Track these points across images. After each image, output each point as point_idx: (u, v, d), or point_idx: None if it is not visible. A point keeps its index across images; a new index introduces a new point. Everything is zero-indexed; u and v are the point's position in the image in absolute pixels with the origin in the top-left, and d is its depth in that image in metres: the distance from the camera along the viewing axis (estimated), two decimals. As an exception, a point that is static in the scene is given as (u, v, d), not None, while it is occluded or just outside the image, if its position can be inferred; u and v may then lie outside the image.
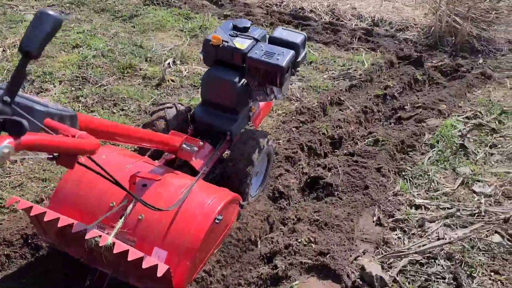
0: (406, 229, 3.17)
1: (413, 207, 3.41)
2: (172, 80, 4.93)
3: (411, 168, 3.89)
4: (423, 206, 3.41)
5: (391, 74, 5.61)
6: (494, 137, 4.43)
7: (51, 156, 1.42)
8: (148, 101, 4.47)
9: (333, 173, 3.54)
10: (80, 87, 4.57)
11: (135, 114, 4.24)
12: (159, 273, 1.91)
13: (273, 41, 3.07)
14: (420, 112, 4.72)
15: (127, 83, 4.78)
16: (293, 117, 4.34)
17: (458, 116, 4.81)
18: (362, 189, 3.42)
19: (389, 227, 3.18)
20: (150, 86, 4.77)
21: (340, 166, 3.63)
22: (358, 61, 5.86)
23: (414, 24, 7.49)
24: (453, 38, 6.86)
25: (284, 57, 2.85)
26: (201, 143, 2.91)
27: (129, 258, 1.92)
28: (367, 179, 3.49)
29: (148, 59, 5.29)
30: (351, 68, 5.64)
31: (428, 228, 3.15)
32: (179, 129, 3.04)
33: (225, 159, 3.05)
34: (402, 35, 7.20)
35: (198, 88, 4.79)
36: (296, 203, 3.33)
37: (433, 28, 6.98)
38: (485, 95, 5.36)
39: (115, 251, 1.94)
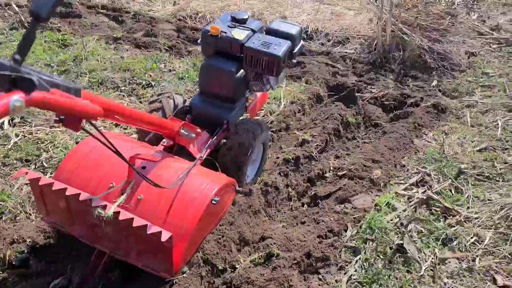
0: None
1: None
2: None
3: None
4: None
5: (315, 117, 4.06)
6: (448, 224, 2.95)
7: (58, 118, 1.51)
8: None
9: None
10: None
11: None
12: (163, 238, 1.91)
13: (270, 32, 3.04)
14: (345, 185, 3.19)
15: None
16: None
17: (399, 185, 3.32)
18: None
19: None
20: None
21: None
22: (274, 98, 4.31)
23: (356, 34, 5.94)
24: (402, 52, 5.35)
25: (281, 47, 2.84)
26: (198, 130, 2.83)
27: (134, 225, 1.93)
28: None
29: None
30: (261, 111, 4.09)
31: None
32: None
33: (222, 147, 2.95)
34: (340, 50, 5.65)
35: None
36: None
37: (375, 41, 5.45)
38: (438, 140, 3.87)
39: (120, 218, 1.95)
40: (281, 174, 3.26)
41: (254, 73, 3.03)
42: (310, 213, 3.03)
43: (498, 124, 4.09)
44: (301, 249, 2.62)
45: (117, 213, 1.99)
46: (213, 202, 2.28)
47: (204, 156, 2.82)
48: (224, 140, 3.01)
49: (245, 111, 3.30)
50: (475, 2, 7.37)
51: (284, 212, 3.07)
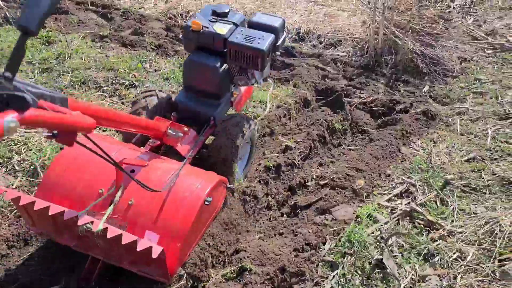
0: None
1: None
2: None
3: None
4: None
5: (300, 122, 3.95)
6: (431, 238, 2.84)
7: (51, 134, 1.42)
8: None
9: None
10: None
11: None
12: (154, 255, 1.86)
13: (253, 25, 2.99)
14: (326, 195, 3.08)
15: None
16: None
17: (382, 195, 3.20)
18: None
19: None
20: None
21: None
22: (260, 102, 4.19)
23: (349, 37, 5.82)
24: (394, 56, 5.23)
25: (264, 41, 2.80)
26: (185, 128, 2.81)
27: (123, 242, 1.86)
28: None
29: None
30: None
31: None
32: (161, 116, 2.82)
33: (209, 145, 2.95)
34: (332, 52, 5.52)
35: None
36: None
37: (368, 44, 5.32)
38: (426, 149, 3.76)
39: (108, 236, 1.88)
40: (261, 182, 3.15)
41: (239, 68, 2.98)
42: (288, 224, 2.92)
43: (488, 133, 3.97)
44: (276, 263, 2.51)
45: (104, 229, 1.93)
46: (206, 203, 2.25)
47: (193, 155, 2.79)
48: (212, 137, 2.96)
49: (230, 106, 3.25)
50: (472, 6, 7.25)
51: (263, 222, 2.96)
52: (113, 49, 4.97)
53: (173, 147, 2.71)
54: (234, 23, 2.91)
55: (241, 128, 2.84)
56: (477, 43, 5.80)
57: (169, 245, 2.09)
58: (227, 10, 2.96)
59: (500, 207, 3.04)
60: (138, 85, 4.32)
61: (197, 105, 3.01)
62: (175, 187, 2.25)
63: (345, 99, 4.34)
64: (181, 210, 2.19)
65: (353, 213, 2.97)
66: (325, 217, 2.94)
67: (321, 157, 3.62)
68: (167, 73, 4.57)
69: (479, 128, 4.08)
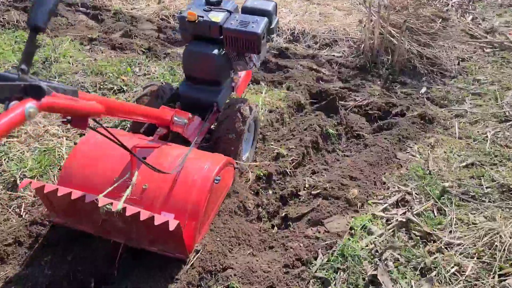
0: None
1: None
2: None
3: None
4: None
5: (293, 127, 3.80)
6: (428, 251, 2.70)
7: (65, 119, 1.65)
8: None
9: None
10: None
11: None
12: (171, 227, 1.95)
13: (246, 11, 3.06)
14: (319, 205, 2.94)
15: None
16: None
17: (377, 205, 3.06)
18: None
19: None
20: None
21: None
22: (252, 106, 4.03)
23: (345, 36, 5.66)
24: (390, 56, 5.08)
25: (258, 24, 2.86)
26: (190, 115, 2.85)
27: (141, 218, 1.96)
28: None
29: None
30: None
31: None
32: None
33: (214, 131, 2.99)
34: (327, 53, 5.37)
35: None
36: None
37: (364, 44, 5.17)
38: (423, 154, 3.61)
39: (127, 214, 1.98)
40: (252, 192, 3.01)
41: (236, 53, 3.05)
42: (279, 236, 2.78)
43: (487, 136, 3.83)
44: (264, 281, 2.37)
45: (123, 209, 2.02)
46: (216, 181, 2.37)
47: (200, 140, 2.87)
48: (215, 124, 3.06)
49: (232, 91, 3.34)
50: (470, 3, 7.09)
51: (252, 235, 2.82)
52: (102, 52, 4.82)
53: (180, 134, 2.79)
54: (228, 11, 2.96)
55: (242, 114, 2.90)
56: (476, 42, 5.64)
57: (185, 223, 2.20)
58: None
59: (500, 217, 2.90)
60: (126, 90, 4.18)
61: (199, 93, 3.07)
62: (185, 169, 2.37)
63: (340, 102, 4.19)
64: (193, 190, 2.30)
65: (347, 224, 2.83)
66: (317, 229, 2.80)
67: (314, 164, 3.47)
68: (157, 77, 4.42)
69: (478, 132, 3.93)
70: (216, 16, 2.90)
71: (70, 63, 4.49)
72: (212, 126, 3.14)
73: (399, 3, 5.44)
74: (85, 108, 1.61)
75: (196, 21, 2.86)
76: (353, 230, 2.79)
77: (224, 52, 3.02)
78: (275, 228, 2.90)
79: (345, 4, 6.59)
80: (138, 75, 4.45)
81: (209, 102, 3.06)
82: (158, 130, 2.83)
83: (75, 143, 3.30)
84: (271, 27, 3.03)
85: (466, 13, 6.60)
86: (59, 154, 3.21)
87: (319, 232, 2.78)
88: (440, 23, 5.24)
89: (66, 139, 3.41)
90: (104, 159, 2.43)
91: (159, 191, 2.30)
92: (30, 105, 1.27)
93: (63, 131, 3.47)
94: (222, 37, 2.92)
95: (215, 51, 2.94)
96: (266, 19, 2.93)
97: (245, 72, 3.53)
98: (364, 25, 5.17)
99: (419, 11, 5.29)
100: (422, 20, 5.20)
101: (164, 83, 3.21)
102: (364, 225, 2.83)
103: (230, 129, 2.88)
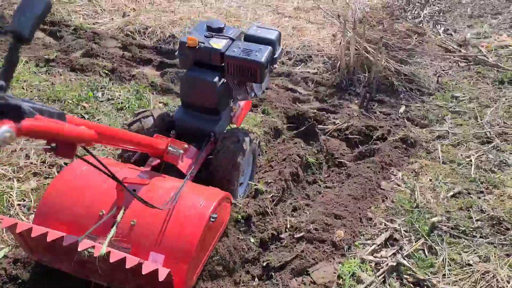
0: None
1: None
2: None
3: None
4: None
5: (271, 157, 3.54)
6: (422, 300, 2.49)
7: (49, 146, 1.37)
8: None
9: None
10: None
11: None
12: (161, 278, 1.77)
13: (249, 39, 2.94)
14: (303, 251, 2.68)
15: None
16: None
17: (365, 246, 2.83)
18: None
19: None
20: None
21: None
22: (225, 134, 3.74)
23: (319, 52, 5.46)
24: (367, 73, 4.90)
25: (262, 53, 2.75)
26: (185, 145, 2.69)
27: (127, 266, 1.77)
28: None
29: None
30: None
31: None
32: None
33: (211, 163, 2.79)
34: (302, 70, 5.15)
35: None
36: None
37: (339, 61, 4.97)
38: (408, 183, 3.42)
39: (111, 260, 1.78)
40: (228, 238, 2.71)
41: (237, 82, 2.93)
42: (257, 296, 2.50)
43: (471, 160, 3.68)
44: None
45: (107, 253, 1.81)
46: (212, 219, 2.17)
47: (195, 172, 2.68)
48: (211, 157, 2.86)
49: (231, 121, 3.20)
50: (441, 14, 7.05)
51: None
52: (61, 75, 4.41)
53: (174, 165, 2.59)
54: (230, 38, 2.86)
55: (241, 145, 2.76)
56: (451, 56, 5.55)
57: (176, 266, 1.97)
58: (222, 26, 2.89)
59: (494, 255, 2.73)
60: (88, 118, 3.81)
61: (196, 121, 2.95)
62: (178, 205, 2.16)
63: (319, 126, 3.96)
64: (186, 229, 2.10)
65: (334, 272, 2.58)
66: (302, 280, 2.54)
67: (295, 199, 3.22)
68: (122, 102, 4.06)
69: (461, 155, 3.78)
70: (218, 43, 2.79)
71: (24, 88, 4.07)
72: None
73: (374, 17, 5.28)
74: (74, 133, 1.40)
75: (197, 47, 2.75)
76: (341, 280, 2.55)
77: (224, 80, 2.89)
78: (256, 279, 2.62)
79: (318, 17, 6.41)
80: (101, 101, 4.08)
81: (207, 132, 2.91)
82: (150, 160, 2.67)
83: (32, 186, 2.92)
84: (274, 56, 2.92)
85: (437, 25, 6.55)
86: (8, 201, 2.82)
87: (305, 283, 2.52)
88: (415, 38, 5.10)
89: (18, 181, 3.02)
90: (87, 191, 2.21)
91: (149, 229, 2.08)
92: (6, 128, 1.09)
93: (13, 171, 3.08)
94: (223, 64, 2.80)
95: (215, 79, 2.80)
96: (270, 48, 2.82)
97: (244, 102, 3.37)
98: (340, 42, 4.97)
99: (394, 26, 5.14)
100: (398, 36, 5.05)
101: (157, 110, 3.03)
102: (352, 272, 2.59)
103: (227, 161, 2.70)
